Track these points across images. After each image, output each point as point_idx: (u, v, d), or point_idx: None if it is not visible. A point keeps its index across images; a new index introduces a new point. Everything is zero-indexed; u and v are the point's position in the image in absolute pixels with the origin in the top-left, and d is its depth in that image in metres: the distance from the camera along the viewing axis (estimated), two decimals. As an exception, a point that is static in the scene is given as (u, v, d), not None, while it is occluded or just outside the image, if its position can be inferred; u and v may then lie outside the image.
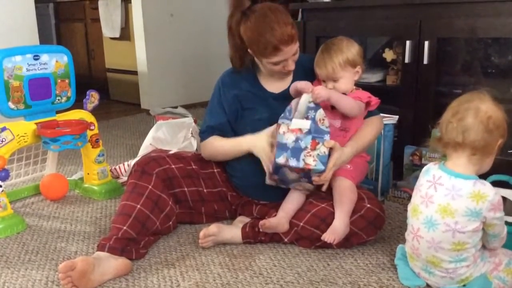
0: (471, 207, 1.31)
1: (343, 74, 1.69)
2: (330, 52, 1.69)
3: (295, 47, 1.67)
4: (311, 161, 1.57)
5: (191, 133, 2.53)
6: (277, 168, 1.61)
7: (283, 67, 1.70)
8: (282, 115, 1.65)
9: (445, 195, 1.34)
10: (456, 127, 1.33)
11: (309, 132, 1.60)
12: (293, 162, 1.57)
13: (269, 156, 1.64)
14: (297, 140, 1.59)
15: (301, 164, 1.57)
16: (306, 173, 1.60)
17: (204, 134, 1.86)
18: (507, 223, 1.42)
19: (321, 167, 1.58)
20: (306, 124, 1.60)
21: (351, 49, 1.70)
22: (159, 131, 2.58)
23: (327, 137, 1.60)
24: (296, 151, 1.58)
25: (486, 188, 1.31)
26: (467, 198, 1.31)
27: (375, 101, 1.73)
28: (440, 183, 1.36)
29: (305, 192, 1.71)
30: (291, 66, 1.70)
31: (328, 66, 1.68)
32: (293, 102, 1.66)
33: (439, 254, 1.37)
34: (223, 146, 1.81)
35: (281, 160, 1.58)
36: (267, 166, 1.65)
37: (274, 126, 1.67)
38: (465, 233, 1.32)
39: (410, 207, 1.46)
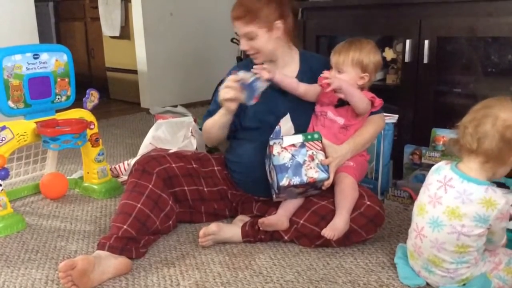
0: (480, 213, 1.30)
1: (350, 70, 1.69)
2: (350, 46, 1.71)
3: (245, 28, 1.72)
4: (313, 173, 1.60)
5: (191, 132, 2.52)
6: (281, 189, 1.61)
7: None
8: (271, 135, 1.67)
9: (455, 198, 1.33)
10: (472, 133, 1.31)
11: (302, 145, 1.62)
12: (296, 181, 1.59)
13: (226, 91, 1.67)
14: (293, 157, 1.61)
15: (305, 180, 1.59)
16: (312, 185, 1.62)
17: (204, 118, 1.91)
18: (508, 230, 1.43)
19: (324, 175, 1.60)
20: (298, 138, 1.63)
21: (370, 55, 1.70)
22: (158, 130, 2.58)
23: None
24: (297, 169, 1.60)
25: (497, 195, 1.30)
26: (477, 203, 1.30)
27: (378, 102, 1.73)
28: (451, 185, 1.35)
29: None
30: (243, 45, 1.77)
31: (341, 56, 1.70)
32: (281, 122, 1.70)
33: (441, 255, 1.37)
34: (212, 119, 1.84)
35: (284, 182, 1.59)
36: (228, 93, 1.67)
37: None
38: (470, 237, 1.32)
39: (416, 204, 1.45)
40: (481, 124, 1.30)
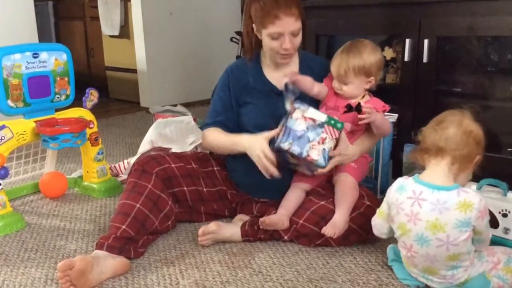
0: (460, 218, 1.29)
1: (354, 80, 1.68)
2: (349, 54, 1.67)
3: (295, 24, 1.67)
4: (315, 154, 1.57)
5: (196, 148, 2.47)
6: (280, 150, 1.59)
7: (281, 45, 1.69)
8: (297, 100, 1.62)
9: (432, 210, 1.32)
10: (440, 133, 1.34)
11: (322, 125, 1.58)
12: (296, 150, 1.56)
13: (262, 163, 1.63)
14: (307, 130, 1.58)
15: (303, 155, 1.57)
16: (307, 164, 1.60)
17: (207, 126, 1.87)
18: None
19: (322, 162, 1.58)
20: (321, 117, 1.59)
21: (370, 58, 1.67)
22: (167, 128, 2.57)
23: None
24: (302, 141, 1.57)
25: (470, 195, 1.30)
26: (454, 209, 1.30)
27: (386, 108, 1.73)
28: (423, 198, 1.34)
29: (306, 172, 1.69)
30: (288, 43, 1.68)
31: (341, 68, 1.67)
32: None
33: (435, 266, 1.37)
34: (220, 141, 1.81)
35: (284, 146, 1.57)
36: (263, 169, 1.64)
37: (274, 131, 1.65)
38: (459, 245, 1.31)
39: (395, 227, 1.41)
40: (448, 127, 1.35)
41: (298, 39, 1.72)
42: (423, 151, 1.38)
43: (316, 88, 1.74)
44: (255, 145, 1.66)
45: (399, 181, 1.42)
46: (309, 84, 1.72)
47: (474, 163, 1.37)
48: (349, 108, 1.69)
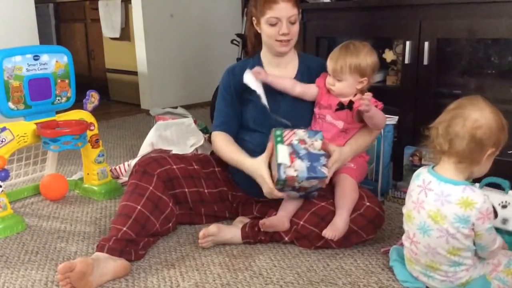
0: (459, 213, 1.29)
1: (348, 77, 1.69)
2: (347, 52, 1.69)
3: (292, 10, 1.71)
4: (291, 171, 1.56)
5: (196, 150, 2.47)
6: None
7: (279, 31, 1.71)
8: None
9: (435, 201, 1.33)
10: (443, 134, 1.32)
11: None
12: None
13: (267, 184, 1.62)
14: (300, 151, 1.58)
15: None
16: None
17: (215, 128, 1.88)
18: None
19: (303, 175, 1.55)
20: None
21: (367, 58, 1.69)
22: (167, 130, 2.57)
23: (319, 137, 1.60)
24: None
25: (475, 195, 1.29)
26: (455, 204, 1.30)
27: (380, 105, 1.73)
28: (430, 188, 1.35)
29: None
30: (285, 28, 1.71)
31: (338, 63, 1.69)
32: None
33: (437, 259, 1.37)
34: (225, 153, 1.82)
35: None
36: (267, 190, 1.64)
37: (268, 151, 1.65)
38: (458, 240, 1.31)
39: (404, 212, 1.45)
40: (451, 125, 1.31)
41: (296, 27, 1.75)
42: (432, 149, 1.38)
43: (298, 89, 1.77)
44: (256, 171, 1.66)
45: (418, 170, 1.44)
46: (289, 85, 1.76)
47: (487, 156, 1.32)
48: (341, 106, 1.71)
